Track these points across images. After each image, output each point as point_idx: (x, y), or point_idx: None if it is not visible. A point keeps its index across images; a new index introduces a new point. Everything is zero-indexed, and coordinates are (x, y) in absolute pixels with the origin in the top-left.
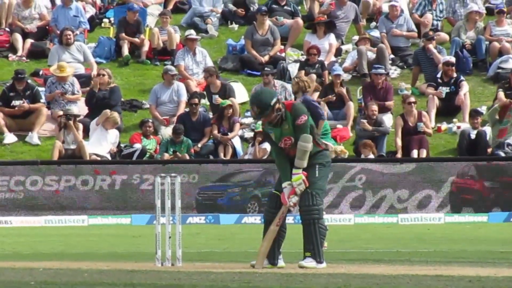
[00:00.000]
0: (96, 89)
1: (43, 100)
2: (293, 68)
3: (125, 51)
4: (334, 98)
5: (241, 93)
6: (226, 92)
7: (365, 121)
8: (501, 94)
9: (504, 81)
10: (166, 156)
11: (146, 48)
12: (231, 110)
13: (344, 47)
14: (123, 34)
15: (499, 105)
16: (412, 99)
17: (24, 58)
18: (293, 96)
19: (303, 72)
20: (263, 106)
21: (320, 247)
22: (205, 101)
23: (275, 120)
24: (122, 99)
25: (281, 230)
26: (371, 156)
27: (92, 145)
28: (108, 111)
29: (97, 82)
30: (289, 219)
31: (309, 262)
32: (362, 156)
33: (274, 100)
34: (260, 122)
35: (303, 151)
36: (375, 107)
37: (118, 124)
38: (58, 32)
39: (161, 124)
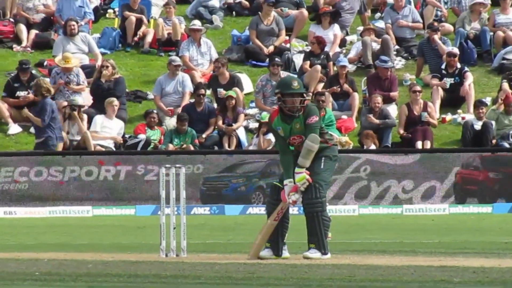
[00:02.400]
0: (103, 80)
1: None
2: (298, 59)
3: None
4: (339, 89)
5: (246, 84)
6: (234, 84)
7: (371, 115)
8: (506, 85)
9: (508, 72)
10: (171, 147)
11: (150, 38)
12: (233, 101)
13: (348, 38)
14: (127, 13)
15: (500, 100)
16: (418, 87)
17: (28, 48)
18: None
19: (43, 79)
20: (302, 86)
21: (324, 238)
22: (209, 92)
23: (295, 108)
24: (127, 90)
25: (284, 222)
26: (373, 147)
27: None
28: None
29: (106, 74)
30: (294, 210)
31: (314, 253)
32: (365, 147)
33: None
34: (267, 118)
35: (308, 150)
36: (378, 99)
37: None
38: (63, 22)
39: (165, 115)
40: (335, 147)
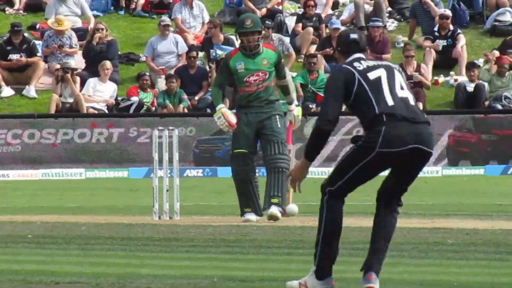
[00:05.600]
0: (95, 43)
1: (40, 53)
2: (290, 22)
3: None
4: (332, 51)
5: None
6: (229, 45)
7: None
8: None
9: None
10: (168, 106)
11: (142, 0)
12: None
13: (341, 0)
14: None
15: (492, 62)
16: (412, 53)
17: (21, 11)
18: (291, 49)
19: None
20: (257, 23)
21: (284, 197)
22: (202, 55)
23: (253, 45)
24: (119, 52)
25: (254, 183)
26: None
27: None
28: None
29: (97, 37)
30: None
31: (279, 212)
32: None
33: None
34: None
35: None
36: None
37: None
38: None
39: (157, 75)
40: (281, 103)
